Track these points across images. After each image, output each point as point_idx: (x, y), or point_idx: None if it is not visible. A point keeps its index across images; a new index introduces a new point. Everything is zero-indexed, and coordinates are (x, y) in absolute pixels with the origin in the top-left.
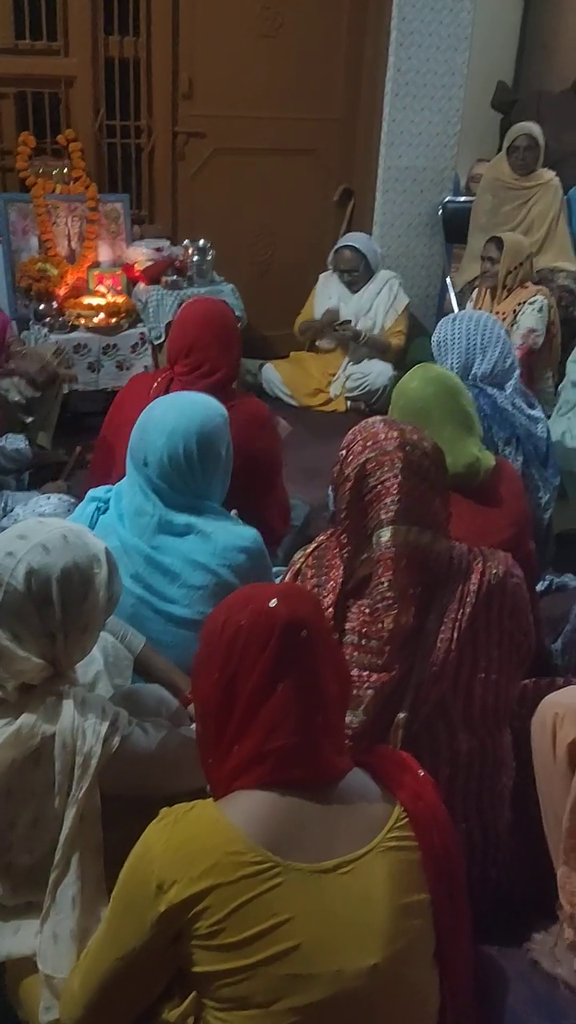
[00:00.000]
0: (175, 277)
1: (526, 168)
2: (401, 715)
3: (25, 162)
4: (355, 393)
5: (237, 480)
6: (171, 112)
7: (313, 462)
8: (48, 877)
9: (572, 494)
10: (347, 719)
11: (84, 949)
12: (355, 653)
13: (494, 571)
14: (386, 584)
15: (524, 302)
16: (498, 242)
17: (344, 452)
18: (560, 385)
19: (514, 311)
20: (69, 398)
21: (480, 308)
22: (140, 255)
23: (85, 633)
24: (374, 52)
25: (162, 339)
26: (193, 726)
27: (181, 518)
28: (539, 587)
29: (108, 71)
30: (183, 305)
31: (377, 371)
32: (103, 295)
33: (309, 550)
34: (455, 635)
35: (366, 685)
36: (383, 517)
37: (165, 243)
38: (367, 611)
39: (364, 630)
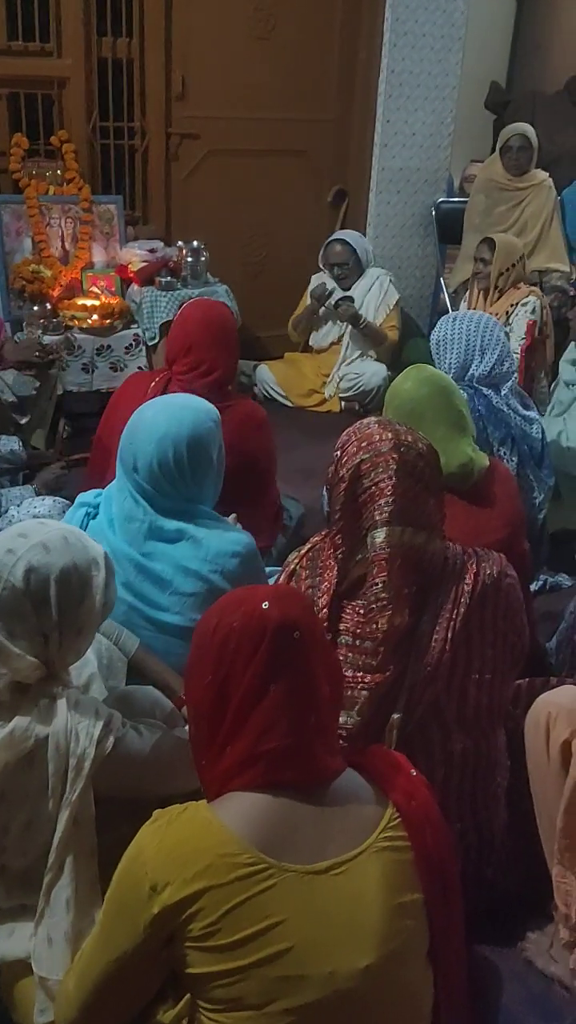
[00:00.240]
0: (169, 278)
1: (519, 169)
2: (395, 716)
3: (18, 163)
4: (349, 394)
5: (231, 481)
6: (164, 113)
7: (307, 463)
8: (42, 879)
9: (566, 494)
10: (341, 720)
11: (78, 951)
12: (349, 654)
13: (488, 572)
14: (380, 585)
15: (517, 303)
16: (490, 243)
17: (339, 453)
18: (553, 385)
19: (507, 312)
20: (63, 399)
21: (473, 309)
22: (134, 256)
23: (79, 636)
24: (367, 53)
25: (156, 340)
26: (187, 728)
27: (172, 524)
28: (533, 587)
29: (101, 72)
30: (184, 305)
31: (371, 372)
32: (97, 296)
33: (303, 551)
34: (449, 636)
35: (360, 686)
36: (377, 518)
37: (159, 244)
38: (361, 612)
39: (358, 631)
